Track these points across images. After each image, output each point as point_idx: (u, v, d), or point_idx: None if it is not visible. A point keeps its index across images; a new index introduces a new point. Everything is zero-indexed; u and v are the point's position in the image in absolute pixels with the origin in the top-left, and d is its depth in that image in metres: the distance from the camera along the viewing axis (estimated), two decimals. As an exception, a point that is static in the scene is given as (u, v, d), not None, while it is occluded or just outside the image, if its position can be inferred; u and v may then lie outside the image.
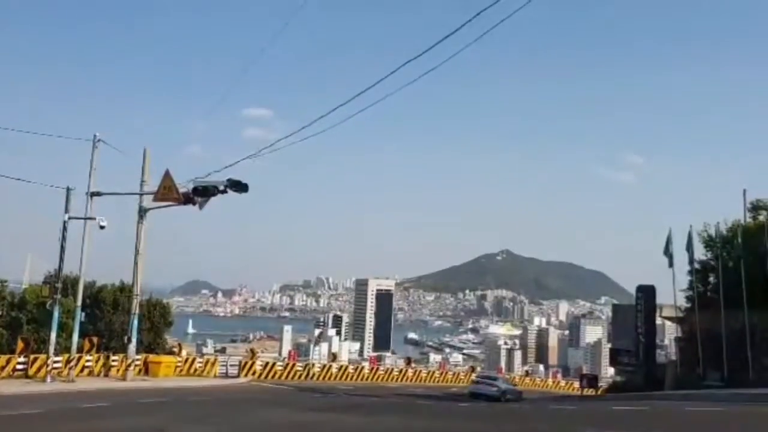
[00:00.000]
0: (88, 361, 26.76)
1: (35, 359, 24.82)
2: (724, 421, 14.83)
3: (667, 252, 29.66)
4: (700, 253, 29.91)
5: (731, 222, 29.39)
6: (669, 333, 62.28)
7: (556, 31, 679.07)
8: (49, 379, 23.34)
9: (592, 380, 39.85)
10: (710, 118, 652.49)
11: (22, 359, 24.55)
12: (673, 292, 29.62)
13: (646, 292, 30.94)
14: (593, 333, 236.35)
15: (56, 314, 24.42)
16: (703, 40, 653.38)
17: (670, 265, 29.54)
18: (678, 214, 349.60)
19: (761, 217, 28.79)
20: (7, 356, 24.45)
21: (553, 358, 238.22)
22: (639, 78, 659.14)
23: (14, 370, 24.15)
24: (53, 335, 24.15)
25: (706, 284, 30.14)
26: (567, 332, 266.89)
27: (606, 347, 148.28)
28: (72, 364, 24.48)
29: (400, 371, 44.84)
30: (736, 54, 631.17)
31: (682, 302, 30.57)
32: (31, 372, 24.51)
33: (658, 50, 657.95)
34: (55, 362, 24.25)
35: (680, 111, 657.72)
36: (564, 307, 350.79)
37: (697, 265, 29.59)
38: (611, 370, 52.51)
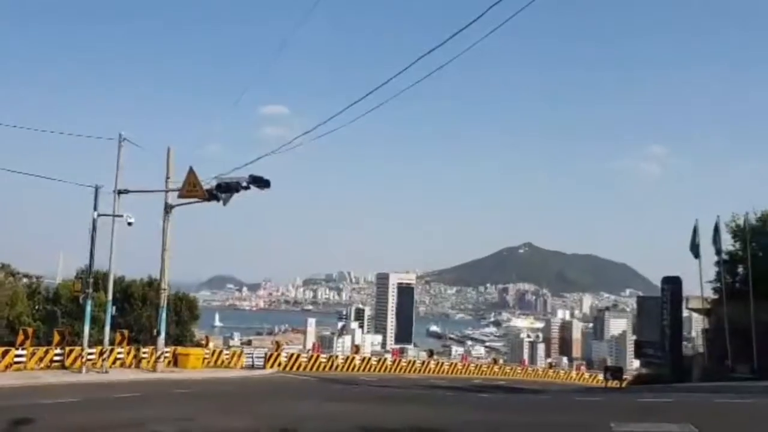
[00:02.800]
0: (119, 353, 27.51)
1: (71, 351, 25.73)
2: (761, 413, 14.61)
3: (694, 243, 29.20)
4: (728, 243, 29.35)
5: (761, 212, 28.80)
6: (696, 325, 61.55)
7: (580, 21, 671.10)
8: (84, 369, 24.14)
9: (616, 372, 39.42)
10: (736, 105, 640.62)
11: (58, 351, 25.51)
12: (699, 284, 29.13)
13: (672, 284, 30.47)
14: (617, 325, 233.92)
15: (89, 308, 25.10)
16: (732, 34, 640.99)
17: (696, 256, 29.04)
18: (705, 204, 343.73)
19: (793, 206, 28.10)
20: (45, 348, 25.38)
21: (576, 350, 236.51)
22: (662, 68, 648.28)
23: (52, 361, 25.13)
24: (87, 328, 24.86)
25: (734, 275, 29.57)
26: (591, 325, 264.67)
27: (631, 339, 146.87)
28: (105, 355, 25.20)
29: (423, 363, 44.98)
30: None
31: (710, 294, 30.10)
32: (67, 363, 25.44)
33: (684, 41, 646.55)
34: (89, 354, 25.01)
35: (705, 99, 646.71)
36: (588, 300, 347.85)
37: (724, 256, 29.04)
38: (636, 363, 51.94)
